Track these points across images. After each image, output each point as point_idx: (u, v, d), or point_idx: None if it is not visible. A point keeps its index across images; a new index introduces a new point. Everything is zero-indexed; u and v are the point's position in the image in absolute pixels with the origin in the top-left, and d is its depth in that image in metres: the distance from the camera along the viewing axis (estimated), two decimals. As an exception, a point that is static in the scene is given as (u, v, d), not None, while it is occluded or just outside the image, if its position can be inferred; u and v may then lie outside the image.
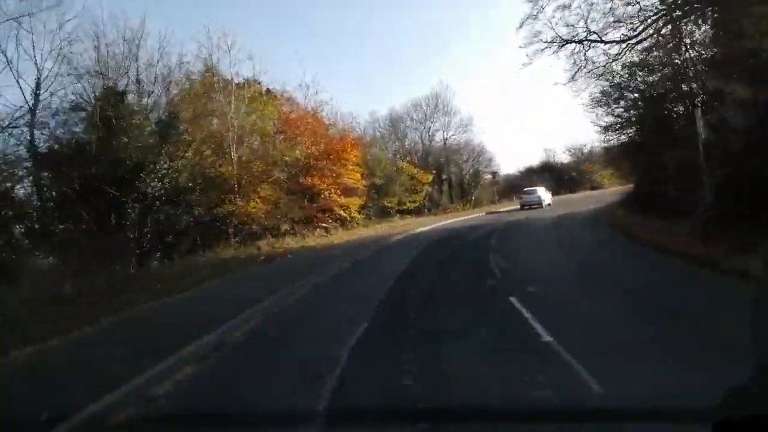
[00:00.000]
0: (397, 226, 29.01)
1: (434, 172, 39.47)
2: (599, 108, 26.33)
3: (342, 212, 26.48)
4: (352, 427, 3.74)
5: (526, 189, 36.82)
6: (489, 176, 50.25)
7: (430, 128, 44.77)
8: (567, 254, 13.51)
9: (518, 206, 34.84)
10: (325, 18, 74.21)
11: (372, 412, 3.81)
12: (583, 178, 67.25)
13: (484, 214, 36.37)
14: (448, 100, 45.06)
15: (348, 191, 27.09)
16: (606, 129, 28.93)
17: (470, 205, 45.09)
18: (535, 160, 68.80)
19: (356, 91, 72.03)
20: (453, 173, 45.92)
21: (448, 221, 30.94)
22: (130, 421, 4.37)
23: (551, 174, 67.97)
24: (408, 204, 34.68)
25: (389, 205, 32.23)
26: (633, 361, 4.72)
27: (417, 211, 36.99)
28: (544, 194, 35.09)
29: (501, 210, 39.64)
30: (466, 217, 33.62)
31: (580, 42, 23.08)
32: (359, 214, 27.78)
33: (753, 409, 2.17)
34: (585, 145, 71.43)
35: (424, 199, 38.42)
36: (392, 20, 78.68)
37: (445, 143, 45.07)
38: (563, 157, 72.85)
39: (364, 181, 27.78)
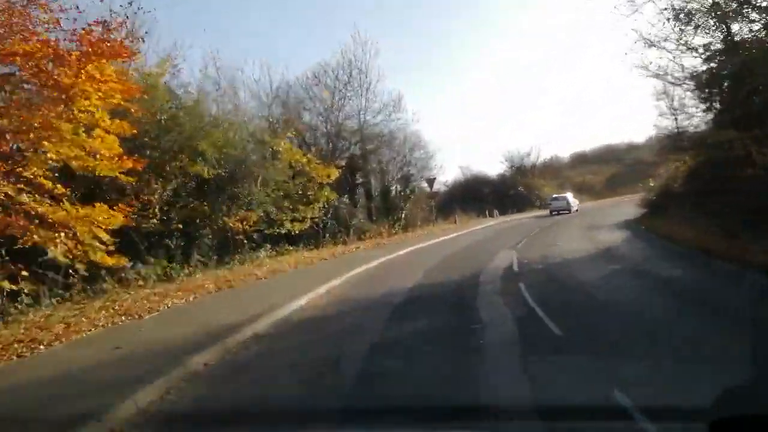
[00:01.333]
0: (225, 293, 11.60)
1: (343, 165, 22.50)
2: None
3: (54, 250, 8.53)
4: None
5: (554, 195, 36.95)
6: (424, 184, 34.40)
7: (339, 103, 27.85)
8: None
9: (471, 227, 30.06)
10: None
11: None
12: (531, 194, 53.96)
13: (429, 244, 20.07)
14: (366, 66, 28.51)
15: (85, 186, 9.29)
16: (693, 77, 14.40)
17: (399, 227, 28.69)
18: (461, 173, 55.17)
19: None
20: (373, 173, 29.28)
21: (368, 265, 14.01)
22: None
23: (491, 188, 54.09)
24: (290, 225, 17.39)
25: (239, 227, 14.48)
26: None
27: (310, 239, 19.84)
28: (571, 200, 35.65)
29: (449, 236, 23.60)
30: (401, 252, 16.99)
31: None
32: (113, 257, 9.52)
33: (750, 408, 1.95)
34: (528, 154, 58.80)
35: (327, 215, 21.34)
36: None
37: (362, 128, 28.25)
38: (498, 168, 60.16)
39: (124, 160, 9.79)
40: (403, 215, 30.60)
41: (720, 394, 2.02)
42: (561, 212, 33.37)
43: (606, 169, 67.45)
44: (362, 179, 27.29)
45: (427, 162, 33.48)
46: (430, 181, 33.88)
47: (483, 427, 3.12)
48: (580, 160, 71.93)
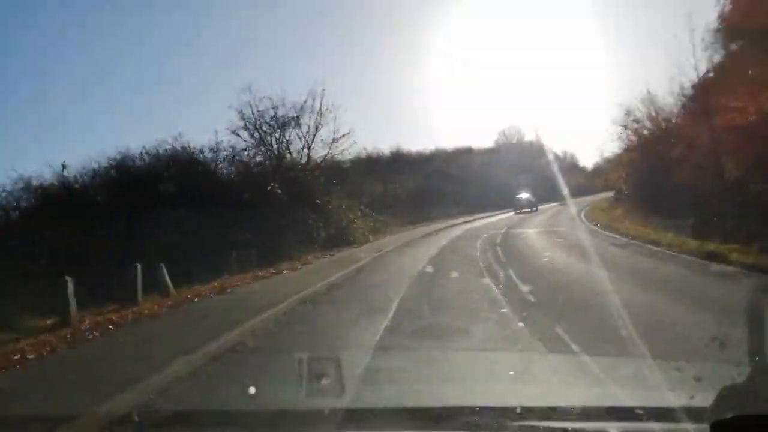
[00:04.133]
0: None
1: None
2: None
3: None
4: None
5: (518, 196, 39.22)
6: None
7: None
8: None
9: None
10: None
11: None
12: (313, 209, 31.53)
13: None
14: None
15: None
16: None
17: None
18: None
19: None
20: None
21: None
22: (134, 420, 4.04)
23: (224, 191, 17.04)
24: None
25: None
26: None
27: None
28: (533, 199, 38.90)
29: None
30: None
31: None
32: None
33: (751, 407, 2.07)
34: (295, 118, 21.37)
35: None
36: None
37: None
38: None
39: None
40: None
41: (721, 393, 1.99)
42: (523, 210, 36.75)
43: (403, 179, 49.05)
44: None
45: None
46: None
47: (481, 426, 2.92)
48: (367, 165, 50.81)
